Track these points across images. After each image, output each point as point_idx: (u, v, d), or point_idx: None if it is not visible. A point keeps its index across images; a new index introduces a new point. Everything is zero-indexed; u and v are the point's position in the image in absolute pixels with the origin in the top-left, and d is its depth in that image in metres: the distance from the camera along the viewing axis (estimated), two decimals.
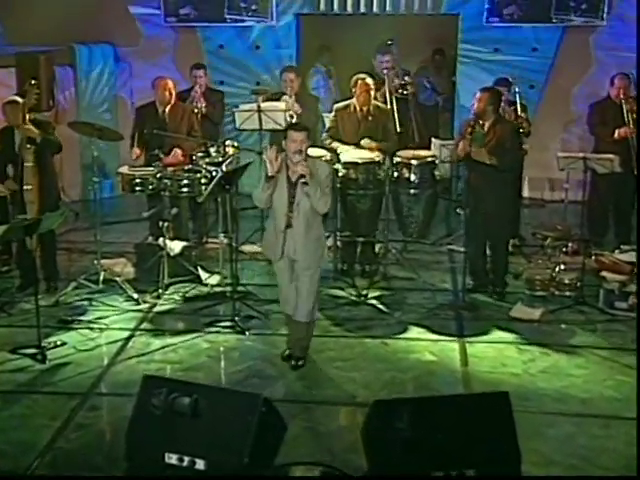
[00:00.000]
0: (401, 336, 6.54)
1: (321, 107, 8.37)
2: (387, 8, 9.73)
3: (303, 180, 5.54)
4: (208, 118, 8.39)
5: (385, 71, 8.27)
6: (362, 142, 7.43)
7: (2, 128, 7.15)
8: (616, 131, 7.97)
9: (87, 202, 9.61)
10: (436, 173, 7.39)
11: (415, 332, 6.61)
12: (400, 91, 8.07)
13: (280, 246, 5.76)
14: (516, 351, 6.26)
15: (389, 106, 7.92)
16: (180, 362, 6.07)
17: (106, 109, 10.29)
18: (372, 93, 7.53)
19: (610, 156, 7.59)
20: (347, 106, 7.62)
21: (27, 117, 6.85)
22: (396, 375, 5.90)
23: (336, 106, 7.74)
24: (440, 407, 4.59)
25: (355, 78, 7.56)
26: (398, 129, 7.83)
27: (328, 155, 7.44)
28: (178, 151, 7.52)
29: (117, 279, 7.21)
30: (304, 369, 5.98)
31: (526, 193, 9.82)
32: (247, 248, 8.11)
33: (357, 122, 7.54)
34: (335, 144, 7.52)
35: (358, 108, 7.55)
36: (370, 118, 7.54)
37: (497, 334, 6.55)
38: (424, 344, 6.39)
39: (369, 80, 7.52)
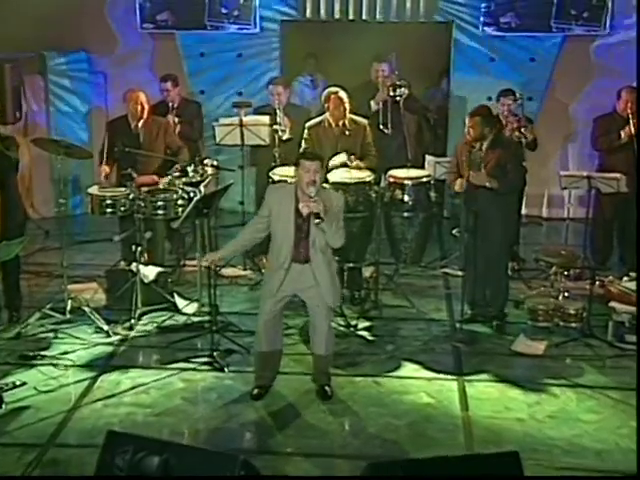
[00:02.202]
0: (394, 374, 6.01)
1: None
2: (377, 15, 9.21)
3: (317, 220, 5.14)
4: (187, 138, 7.79)
5: (380, 80, 7.75)
6: (339, 157, 6.90)
7: None
8: (622, 132, 7.43)
9: (59, 219, 9.03)
10: (431, 194, 6.85)
11: (409, 369, 6.08)
12: (392, 94, 7.52)
13: (279, 282, 5.36)
14: (520, 392, 5.74)
15: (381, 105, 7.41)
16: (152, 406, 5.50)
17: (80, 120, 9.70)
18: (347, 107, 7.02)
19: (616, 175, 7.16)
20: (320, 122, 7.13)
21: None
22: (390, 421, 5.37)
23: (308, 124, 7.22)
24: (443, 470, 4.05)
25: (327, 92, 7.11)
26: (389, 129, 7.32)
27: None
28: (155, 179, 6.97)
29: (86, 309, 6.63)
30: (288, 414, 5.44)
31: (523, 210, 9.30)
32: (228, 272, 7.57)
33: (334, 138, 7.06)
34: None
35: (333, 124, 7.05)
36: (347, 133, 7.07)
37: (499, 371, 6.03)
38: (420, 384, 5.86)
39: (342, 94, 7.06)
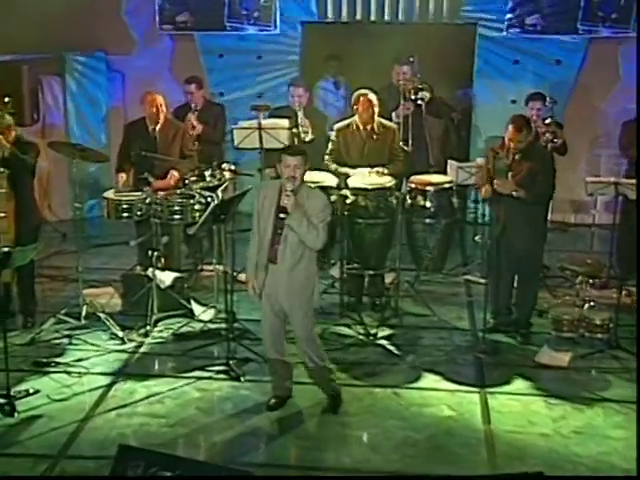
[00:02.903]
0: (414, 385, 5.86)
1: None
2: (399, 16, 9.05)
3: (282, 214, 5.02)
4: (208, 141, 7.67)
5: (402, 82, 7.58)
6: (368, 172, 6.75)
7: None
8: None
9: (76, 222, 8.96)
10: (453, 200, 6.68)
11: (430, 380, 5.93)
12: (414, 97, 7.34)
13: (262, 283, 5.22)
14: (544, 405, 5.58)
15: (402, 119, 7.24)
16: (166, 416, 5.38)
17: (98, 122, 9.61)
18: (376, 110, 6.85)
19: None
20: (348, 125, 6.96)
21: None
22: (410, 435, 5.21)
23: (336, 126, 7.08)
24: None
25: (357, 94, 6.91)
26: (410, 145, 7.14)
27: (334, 180, 6.78)
28: (175, 174, 6.87)
29: (101, 315, 6.53)
30: (305, 426, 5.30)
31: (548, 216, 9.10)
32: (244, 277, 7.41)
33: (361, 142, 6.89)
34: (335, 167, 6.89)
35: (361, 127, 6.89)
36: (375, 137, 6.89)
37: (522, 384, 5.87)
38: (441, 396, 5.71)
39: (372, 96, 6.87)
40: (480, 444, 5.14)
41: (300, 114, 7.44)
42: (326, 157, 7.06)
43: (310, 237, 5.05)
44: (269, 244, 5.13)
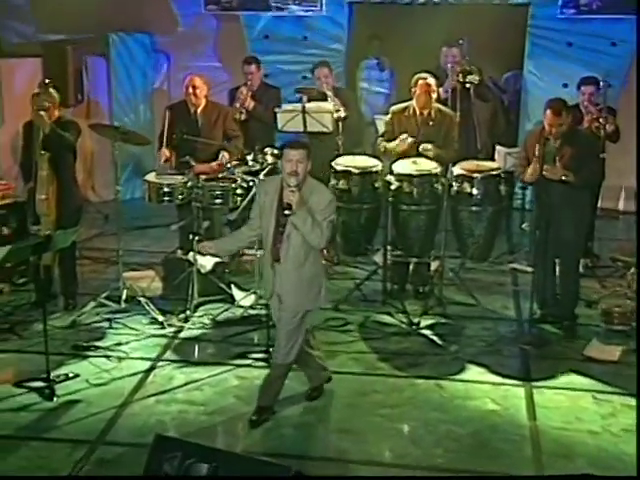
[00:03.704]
0: (458, 377, 5.72)
1: (364, 106, 7.56)
2: None
3: (287, 211, 4.75)
4: (258, 119, 7.52)
5: (449, 66, 7.37)
6: (421, 148, 6.59)
7: (26, 122, 6.51)
8: None
9: (118, 204, 8.95)
10: (501, 188, 6.48)
11: (474, 372, 5.78)
12: (462, 80, 7.13)
13: (271, 282, 5.00)
14: (593, 401, 5.39)
15: (450, 94, 7.05)
16: (205, 403, 5.32)
17: (142, 102, 9.56)
18: (434, 95, 6.67)
19: None
20: (405, 108, 6.77)
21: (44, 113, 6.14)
22: (452, 429, 5.08)
23: (393, 108, 6.91)
24: None
25: (416, 77, 6.71)
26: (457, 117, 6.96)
27: (379, 165, 6.63)
28: (225, 154, 6.76)
29: (141, 299, 6.48)
30: (345, 417, 5.19)
31: (598, 203, 8.84)
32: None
33: (416, 126, 6.70)
34: (391, 144, 6.71)
35: (418, 111, 6.70)
36: (431, 123, 6.70)
37: (570, 378, 5.68)
38: (484, 388, 5.56)
39: (431, 80, 6.66)
40: (525, 441, 4.98)
41: (330, 94, 7.31)
42: (379, 139, 6.93)
43: (314, 235, 4.80)
44: (272, 243, 4.90)
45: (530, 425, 5.13)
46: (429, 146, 6.58)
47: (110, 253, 7.53)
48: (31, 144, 6.25)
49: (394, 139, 6.72)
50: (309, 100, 7.24)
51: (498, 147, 7.17)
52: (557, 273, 6.35)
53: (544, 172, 5.86)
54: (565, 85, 8.31)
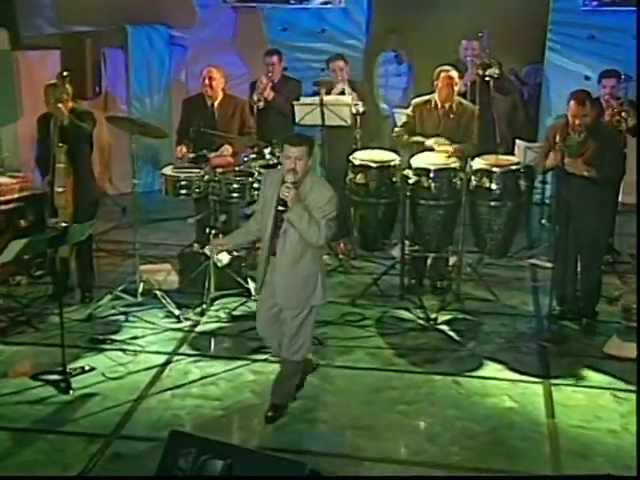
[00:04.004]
0: (475, 373, 5.67)
1: (381, 100, 7.48)
2: None
3: (281, 207, 4.67)
4: (277, 111, 7.46)
5: (469, 59, 7.29)
6: (432, 142, 6.52)
7: (42, 114, 6.50)
8: None
9: (137, 195, 8.94)
10: (520, 183, 6.41)
11: (492, 369, 5.72)
12: (482, 74, 7.04)
13: (262, 277, 4.95)
14: (612, 399, 5.33)
15: (469, 87, 6.98)
16: (220, 398, 5.30)
17: (160, 95, 9.54)
18: (456, 88, 6.61)
19: None
20: (427, 101, 6.72)
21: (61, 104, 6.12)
22: (469, 426, 5.03)
23: (414, 101, 6.88)
24: None
25: (438, 70, 6.66)
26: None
27: (397, 159, 6.57)
28: (228, 148, 6.74)
29: (157, 292, 6.47)
30: (361, 413, 5.15)
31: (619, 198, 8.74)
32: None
33: (437, 120, 6.66)
34: (407, 138, 6.66)
35: (439, 104, 6.65)
36: (452, 116, 6.65)
37: (589, 375, 5.63)
38: (502, 385, 5.51)
39: (453, 73, 6.61)
40: (543, 439, 4.93)
41: (346, 87, 7.25)
42: (397, 129, 6.89)
43: (310, 233, 4.68)
44: (269, 236, 4.82)
45: (548, 423, 5.08)
46: (444, 140, 6.50)
47: (127, 246, 7.52)
48: (47, 137, 6.25)
49: (414, 132, 6.67)
50: (327, 93, 7.17)
51: (518, 141, 7.08)
52: (578, 269, 6.27)
53: (566, 166, 5.78)
54: (587, 78, 8.20)
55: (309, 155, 4.72)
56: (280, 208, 4.68)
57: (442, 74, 6.61)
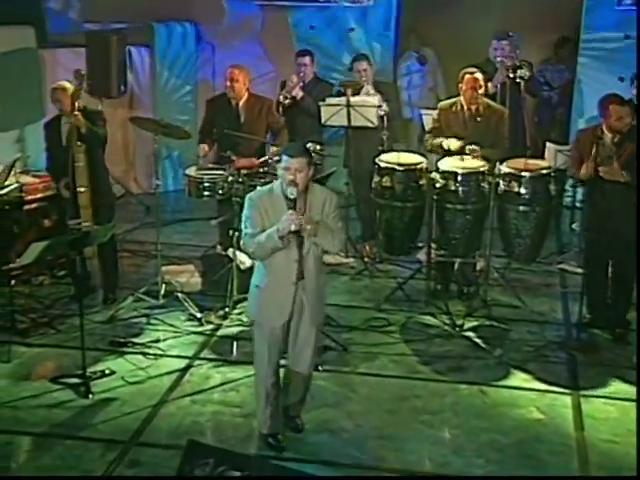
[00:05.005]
0: (502, 383, 5.54)
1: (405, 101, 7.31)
2: None
3: (302, 233, 4.42)
4: (305, 111, 7.31)
5: (499, 59, 7.13)
6: (467, 149, 6.38)
7: (50, 119, 6.48)
8: None
9: (162, 194, 8.89)
10: (550, 187, 6.25)
11: (519, 378, 5.59)
12: (512, 75, 6.87)
13: (290, 304, 4.57)
14: None
15: (499, 88, 6.82)
16: (241, 405, 5.22)
17: (187, 94, 9.46)
18: (481, 90, 6.46)
19: None
20: (453, 104, 6.58)
21: (76, 106, 6.06)
22: (495, 438, 4.91)
23: (440, 104, 6.75)
24: None
25: (462, 72, 6.51)
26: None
27: (424, 162, 6.45)
28: (273, 149, 6.66)
29: (179, 295, 6.40)
30: (384, 422, 5.05)
31: None
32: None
33: (464, 123, 6.50)
34: (438, 142, 6.54)
35: (465, 107, 6.50)
36: (479, 119, 6.49)
37: (619, 387, 5.48)
38: (530, 396, 5.37)
39: (478, 75, 6.45)
40: (571, 453, 4.80)
41: (370, 88, 7.13)
42: (426, 135, 6.76)
43: (335, 244, 4.56)
44: (296, 261, 4.47)
45: (577, 436, 4.95)
46: (476, 147, 6.36)
47: (150, 246, 7.42)
48: (59, 141, 6.20)
49: (441, 136, 6.56)
50: (354, 94, 7.05)
51: (548, 144, 6.91)
52: (609, 275, 6.11)
53: (602, 174, 5.63)
54: (621, 79, 7.99)
55: (309, 165, 4.44)
56: (312, 239, 4.44)
57: (466, 76, 6.47)
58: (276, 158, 6.45)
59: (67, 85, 6.13)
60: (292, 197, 4.38)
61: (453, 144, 6.39)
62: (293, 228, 4.35)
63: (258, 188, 4.71)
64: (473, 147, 6.31)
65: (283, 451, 4.74)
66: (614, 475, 4.59)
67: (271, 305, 4.60)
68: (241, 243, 4.67)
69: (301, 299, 4.59)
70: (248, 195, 4.64)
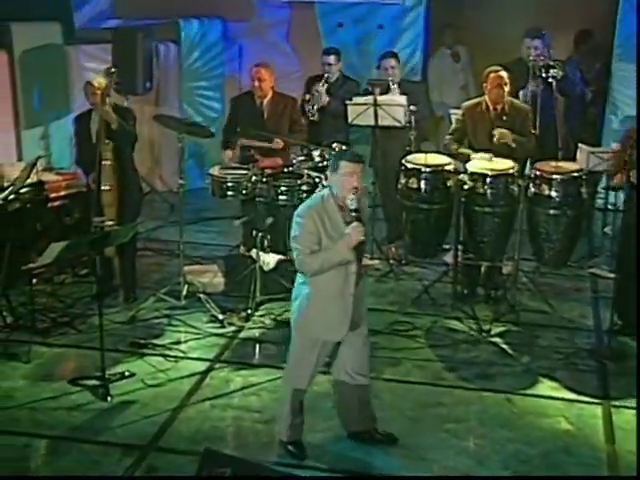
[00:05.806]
0: (529, 391, 5.40)
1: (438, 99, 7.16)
2: None
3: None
4: (332, 113, 7.19)
5: (532, 58, 6.95)
6: (496, 133, 6.25)
7: (80, 113, 6.44)
8: None
9: (187, 192, 8.81)
10: (582, 190, 6.09)
11: (547, 387, 5.44)
12: (544, 75, 6.70)
13: (350, 316, 4.44)
14: None
15: (529, 98, 6.67)
16: (261, 410, 5.11)
17: (214, 91, 9.38)
18: (506, 89, 6.31)
19: None
20: (478, 104, 6.44)
21: (107, 102, 6.01)
22: (521, 449, 4.77)
23: (464, 104, 6.61)
24: None
25: (487, 71, 6.38)
26: (536, 127, 6.52)
27: (452, 163, 6.31)
28: (279, 141, 6.58)
29: (201, 295, 6.32)
30: (408, 431, 4.91)
31: None
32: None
33: (489, 123, 6.35)
34: (456, 147, 6.46)
35: (491, 106, 6.36)
36: (505, 118, 6.36)
37: None
38: (558, 405, 5.22)
39: (503, 73, 6.31)
40: (601, 465, 4.65)
41: (396, 86, 6.99)
42: (447, 137, 6.62)
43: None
44: (355, 272, 4.37)
45: (607, 449, 4.79)
46: (505, 131, 6.22)
47: (173, 245, 7.37)
48: (88, 137, 6.15)
49: (464, 137, 6.43)
50: (382, 93, 6.91)
51: (581, 145, 6.73)
52: None
53: (632, 179, 5.47)
54: None
55: (362, 171, 4.39)
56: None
57: (491, 75, 6.32)
58: (300, 158, 6.39)
59: (101, 80, 6.08)
60: (353, 207, 4.25)
61: (472, 154, 6.28)
62: (362, 239, 4.28)
63: (304, 202, 4.46)
64: (502, 131, 6.17)
65: (304, 459, 4.64)
66: None
67: (331, 319, 4.45)
68: (296, 264, 4.39)
69: (358, 310, 4.50)
70: (296, 212, 4.39)
